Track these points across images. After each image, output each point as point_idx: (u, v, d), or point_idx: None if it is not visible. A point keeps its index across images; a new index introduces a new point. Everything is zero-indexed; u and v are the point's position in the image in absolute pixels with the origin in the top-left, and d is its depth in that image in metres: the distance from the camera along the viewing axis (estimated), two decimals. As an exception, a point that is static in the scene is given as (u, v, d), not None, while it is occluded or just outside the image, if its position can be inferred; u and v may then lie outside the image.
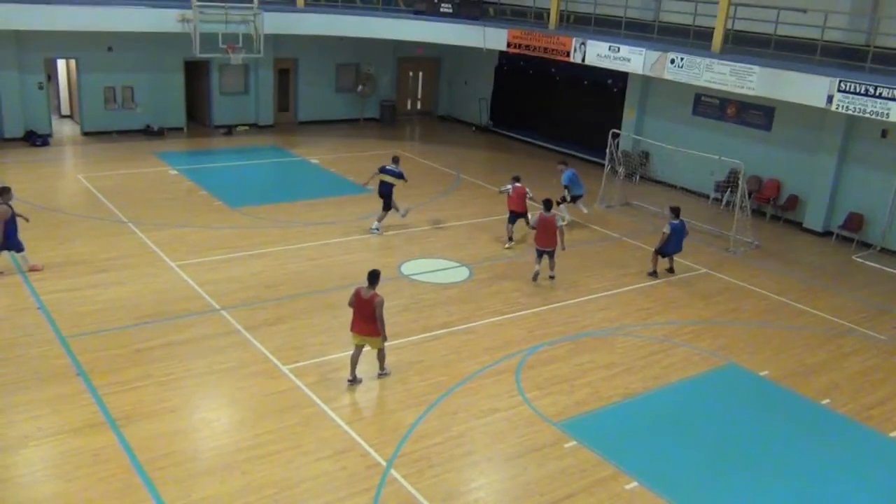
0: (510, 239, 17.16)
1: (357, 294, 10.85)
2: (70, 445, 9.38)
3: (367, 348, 11.09)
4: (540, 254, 15.27)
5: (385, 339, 11.04)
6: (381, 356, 11.29)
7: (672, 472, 9.77)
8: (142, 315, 12.77)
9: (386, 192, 17.30)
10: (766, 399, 11.82)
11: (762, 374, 12.41)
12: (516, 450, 9.95)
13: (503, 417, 10.61)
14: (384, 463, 9.46)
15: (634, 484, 9.43)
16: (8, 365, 10.99)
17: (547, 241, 15.10)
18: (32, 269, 13.99)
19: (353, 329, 11.00)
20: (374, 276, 10.85)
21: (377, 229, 17.41)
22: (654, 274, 15.97)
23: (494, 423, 10.46)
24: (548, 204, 15.28)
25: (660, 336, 13.43)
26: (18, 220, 13.98)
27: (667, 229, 15.73)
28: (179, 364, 11.36)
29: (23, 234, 14.05)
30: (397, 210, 17.55)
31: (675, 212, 15.96)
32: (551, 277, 15.39)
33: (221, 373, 11.26)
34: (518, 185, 17.06)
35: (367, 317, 10.77)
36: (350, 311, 10.99)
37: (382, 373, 11.40)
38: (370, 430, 10.14)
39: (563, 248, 15.34)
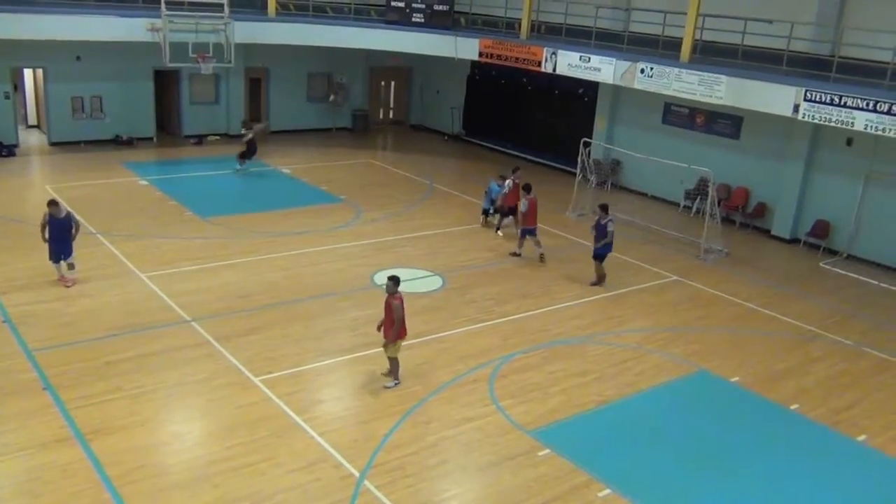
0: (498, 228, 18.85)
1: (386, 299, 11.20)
2: (37, 461, 9.22)
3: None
4: (524, 234, 16.86)
5: (392, 341, 11.17)
6: (392, 365, 11.39)
7: (645, 479, 9.82)
8: (111, 327, 12.61)
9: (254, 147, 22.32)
10: (737, 405, 11.94)
11: (733, 380, 12.53)
12: (490, 458, 9.95)
13: (477, 426, 10.61)
14: (358, 474, 9.41)
15: (608, 491, 9.47)
16: (-27, 379, 10.79)
17: (533, 220, 16.78)
18: (62, 279, 14.11)
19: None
20: (393, 280, 11.06)
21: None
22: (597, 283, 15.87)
23: (468, 433, 10.46)
24: (528, 188, 17.06)
25: (632, 343, 13.52)
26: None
27: (611, 227, 15.45)
28: (149, 376, 11.23)
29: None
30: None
31: (604, 208, 15.64)
32: (515, 255, 17.00)
33: (192, 385, 11.15)
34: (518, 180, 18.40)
35: (386, 320, 11.15)
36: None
37: (389, 384, 11.36)
38: (343, 440, 10.07)
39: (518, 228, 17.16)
